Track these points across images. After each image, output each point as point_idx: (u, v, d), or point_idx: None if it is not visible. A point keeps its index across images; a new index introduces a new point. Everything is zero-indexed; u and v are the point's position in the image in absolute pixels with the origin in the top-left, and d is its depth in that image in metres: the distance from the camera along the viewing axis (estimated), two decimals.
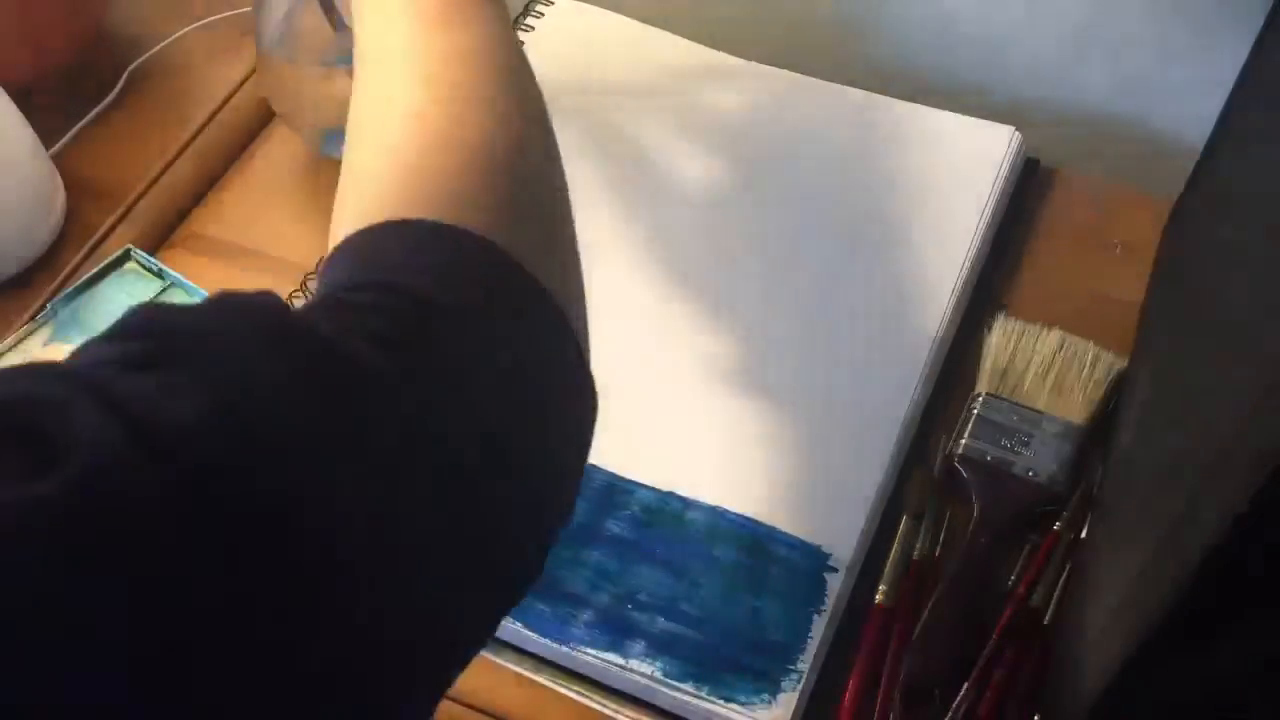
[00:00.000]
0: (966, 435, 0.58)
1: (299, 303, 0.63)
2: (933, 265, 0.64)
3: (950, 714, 0.51)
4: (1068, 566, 0.54)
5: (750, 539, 0.55)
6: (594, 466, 0.58)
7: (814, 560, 0.54)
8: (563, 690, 0.53)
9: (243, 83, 0.75)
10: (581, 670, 0.53)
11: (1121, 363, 0.59)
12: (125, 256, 0.67)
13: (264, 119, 0.74)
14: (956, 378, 0.61)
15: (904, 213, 0.66)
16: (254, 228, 0.69)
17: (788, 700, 0.51)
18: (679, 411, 0.59)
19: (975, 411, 0.58)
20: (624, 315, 0.63)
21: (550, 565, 0.55)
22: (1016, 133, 0.68)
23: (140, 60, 0.76)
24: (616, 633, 0.53)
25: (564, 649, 0.52)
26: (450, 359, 0.34)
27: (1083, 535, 0.55)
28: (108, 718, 0.24)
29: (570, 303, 0.39)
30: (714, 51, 0.74)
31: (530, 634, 0.53)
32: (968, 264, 0.64)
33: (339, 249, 0.37)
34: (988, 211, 0.66)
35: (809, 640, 0.52)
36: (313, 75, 0.66)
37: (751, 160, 0.69)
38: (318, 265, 0.65)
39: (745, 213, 0.67)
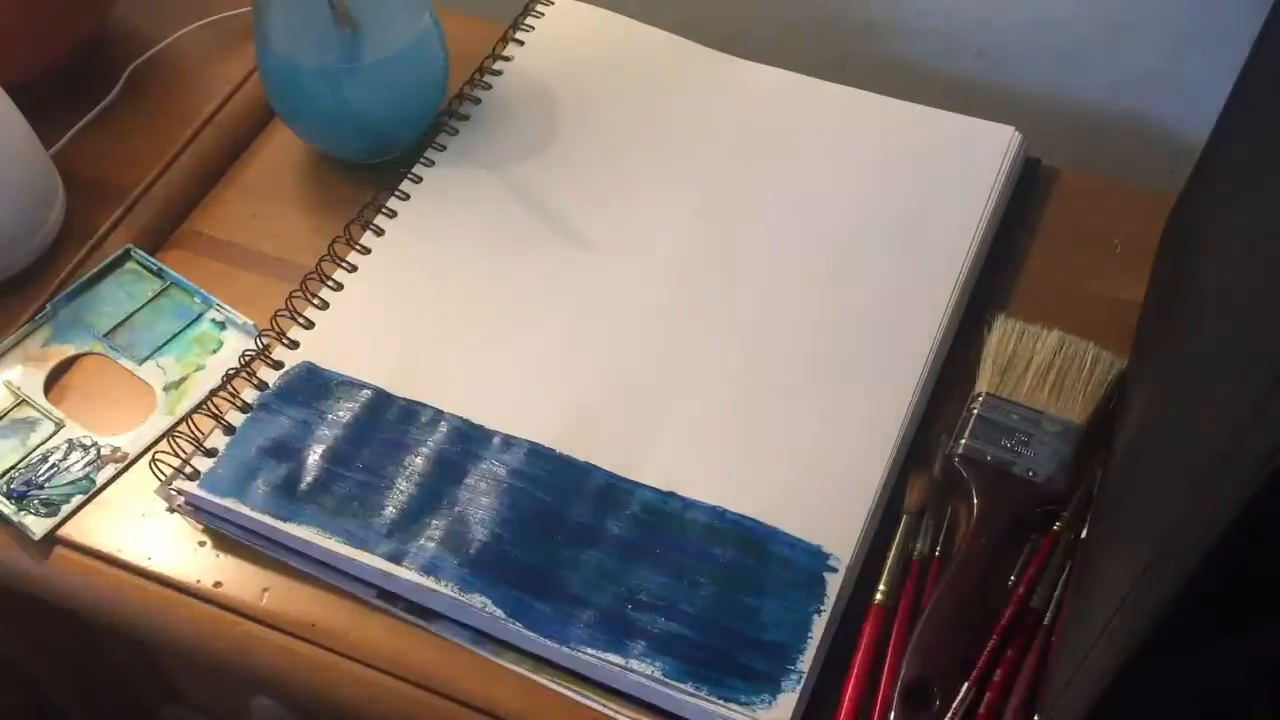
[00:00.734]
0: (966, 435, 0.58)
1: (298, 302, 0.63)
2: (933, 265, 0.64)
3: (950, 714, 0.51)
4: (1068, 566, 0.54)
5: (750, 539, 0.55)
6: (594, 466, 0.58)
7: (814, 560, 0.54)
8: (563, 690, 0.53)
9: (243, 83, 0.75)
10: (581, 670, 0.53)
11: (1121, 363, 0.59)
12: (125, 256, 0.67)
13: (264, 119, 0.74)
14: (956, 378, 0.61)
15: (904, 212, 0.66)
16: (254, 228, 0.69)
17: (788, 700, 0.51)
18: (679, 411, 0.60)
19: (975, 411, 0.58)
20: (624, 315, 0.63)
21: (550, 565, 0.55)
22: (1016, 133, 0.68)
23: (140, 60, 0.76)
24: (616, 633, 0.53)
25: (564, 649, 0.52)
26: None
27: (1083, 535, 0.55)
28: None
29: None
30: (714, 51, 0.74)
31: (530, 634, 0.53)
32: (968, 264, 0.64)
33: None
34: (988, 211, 0.66)
35: (809, 640, 0.52)
36: (313, 75, 0.66)
37: (751, 160, 0.69)
38: (318, 264, 0.65)
39: (745, 212, 0.67)
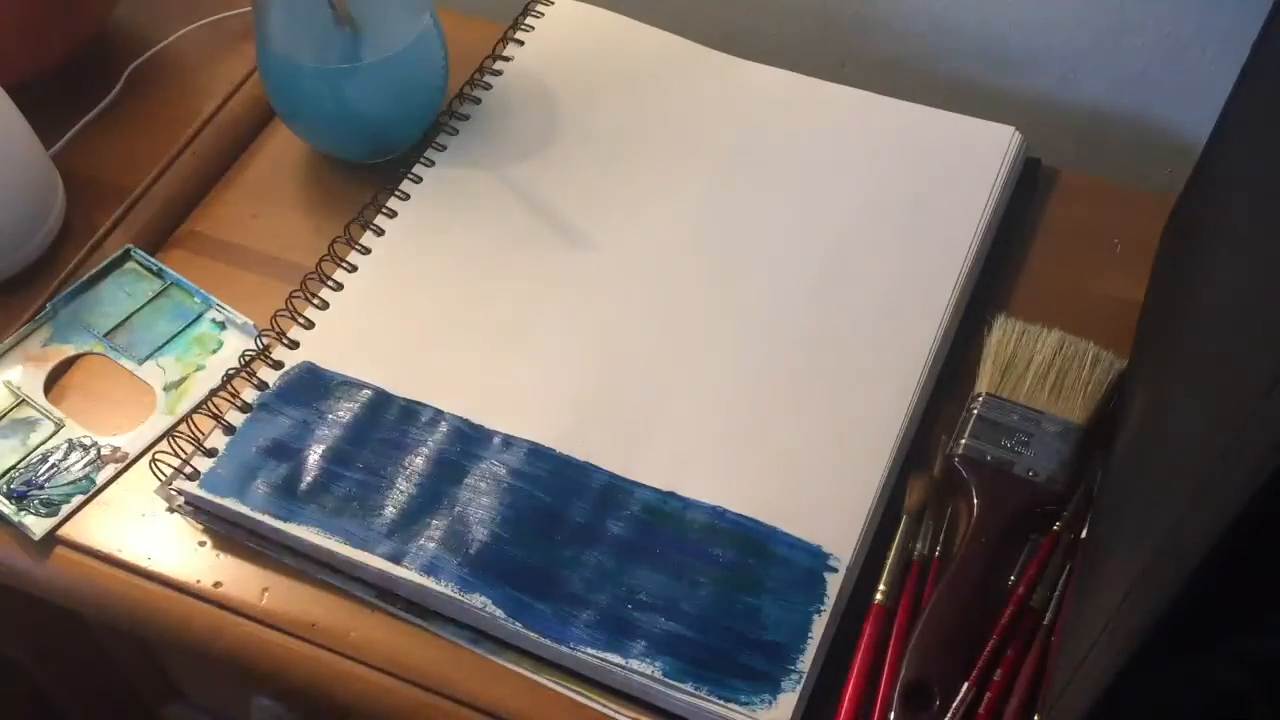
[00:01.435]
0: (966, 435, 0.58)
1: (298, 302, 0.63)
2: (933, 265, 0.64)
3: (950, 714, 0.51)
4: (1068, 566, 0.54)
5: (750, 539, 0.55)
6: (594, 466, 0.58)
7: (814, 560, 0.54)
8: (563, 690, 0.53)
9: (243, 83, 0.75)
10: (581, 670, 0.53)
11: (1121, 363, 0.59)
12: (125, 256, 0.67)
13: (264, 119, 0.74)
14: (956, 378, 0.61)
15: (904, 212, 0.66)
16: (254, 228, 0.69)
17: (788, 700, 0.51)
18: (679, 411, 0.59)
19: (975, 411, 0.58)
20: (624, 314, 0.63)
21: (550, 565, 0.55)
22: (1016, 133, 0.69)
23: (140, 60, 0.76)
24: (616, 632, 0.53)
25: (564, 649, 0.52)
26: None
27: (1083, 535, 0.55)
28: None
29: None
30: (714, 51, 0.74)
31: (530, 634, 0.53)
32: (968, 264, 0.64)
33: None
34: (988, 211, 0.66)
35: (809, 640, 0.52)
36: (313, 75, 0.66)
37: (751, 160, 0.69)
38: (318, 264, 0.65)
39: (745, 212, 0.67)
